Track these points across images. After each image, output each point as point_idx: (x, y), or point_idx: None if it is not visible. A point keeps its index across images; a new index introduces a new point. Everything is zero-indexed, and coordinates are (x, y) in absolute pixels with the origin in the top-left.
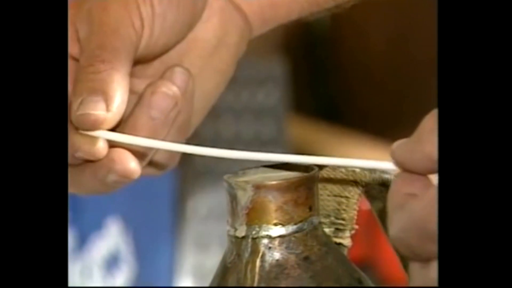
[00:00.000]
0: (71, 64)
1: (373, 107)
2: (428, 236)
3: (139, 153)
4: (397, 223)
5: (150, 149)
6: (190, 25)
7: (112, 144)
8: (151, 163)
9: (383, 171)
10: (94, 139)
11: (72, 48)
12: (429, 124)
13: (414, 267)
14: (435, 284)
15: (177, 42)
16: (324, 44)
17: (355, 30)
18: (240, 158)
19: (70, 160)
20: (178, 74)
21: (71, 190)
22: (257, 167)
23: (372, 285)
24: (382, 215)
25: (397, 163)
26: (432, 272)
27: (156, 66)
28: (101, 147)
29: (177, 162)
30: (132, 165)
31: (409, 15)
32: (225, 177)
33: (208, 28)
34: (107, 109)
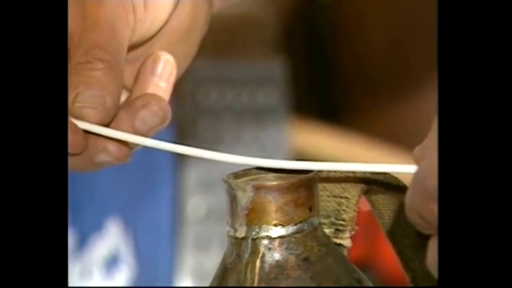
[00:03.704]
0: None
1: (373, 107)
2: (428, 194)
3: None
4: (407, 192)
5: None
6: (170, 13)
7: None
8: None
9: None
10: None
11: None
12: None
13: (431, 243)
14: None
15: (159, 31)
16: (324, 44)
17: (356, 30)
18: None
19: None
20: (165, 65)
21: None
22: (257, 167)
23: (372, 285)
24: (382, 215)
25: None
26: None
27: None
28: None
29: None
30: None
31: (409, 16)
32: (225, 177)
33: (181, 16)
34: (105, 104)
